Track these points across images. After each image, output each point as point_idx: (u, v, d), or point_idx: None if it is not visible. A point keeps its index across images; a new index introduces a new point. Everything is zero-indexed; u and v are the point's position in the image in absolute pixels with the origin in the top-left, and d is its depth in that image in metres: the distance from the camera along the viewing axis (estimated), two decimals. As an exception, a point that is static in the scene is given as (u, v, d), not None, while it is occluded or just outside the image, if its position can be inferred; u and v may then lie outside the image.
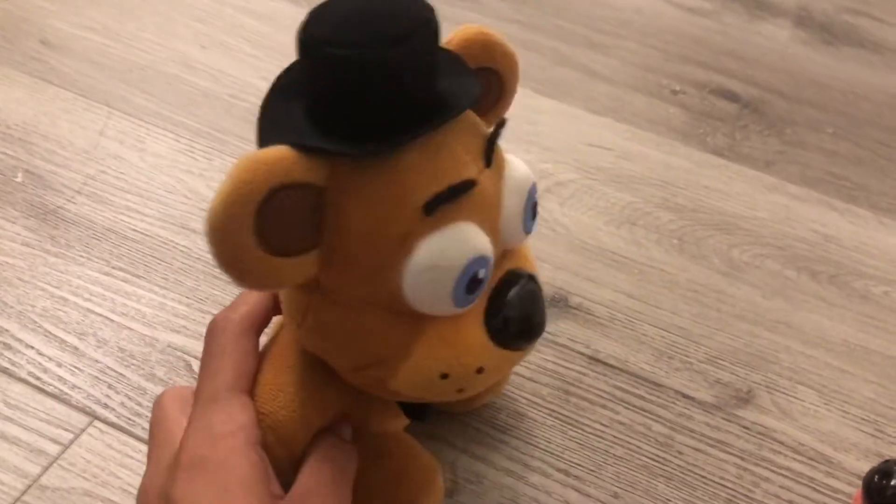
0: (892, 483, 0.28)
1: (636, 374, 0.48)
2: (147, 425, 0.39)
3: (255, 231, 0.25)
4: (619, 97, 0.68)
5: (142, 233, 0.52)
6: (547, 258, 0.54)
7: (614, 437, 0.44)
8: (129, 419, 0.42)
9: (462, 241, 0.28)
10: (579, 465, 0.43)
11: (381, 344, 0.30)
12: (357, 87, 0.26)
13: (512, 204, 0.30)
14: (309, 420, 0.33)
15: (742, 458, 0.44)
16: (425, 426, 0.43)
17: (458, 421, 0.44)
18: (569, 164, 0.61)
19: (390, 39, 0.25)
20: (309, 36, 0.26)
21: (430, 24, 0.27)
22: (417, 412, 0.36)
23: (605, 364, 0.48)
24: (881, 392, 0.49)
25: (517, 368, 0.47)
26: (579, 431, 0.44)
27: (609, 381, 0.47)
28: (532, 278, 0.31)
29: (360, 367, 0.31)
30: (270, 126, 0.28)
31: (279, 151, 0.26)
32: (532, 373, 0.47)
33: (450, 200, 0.27)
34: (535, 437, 0.44)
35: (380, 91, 0.26)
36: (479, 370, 0.30)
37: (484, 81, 0.32)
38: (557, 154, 0.62)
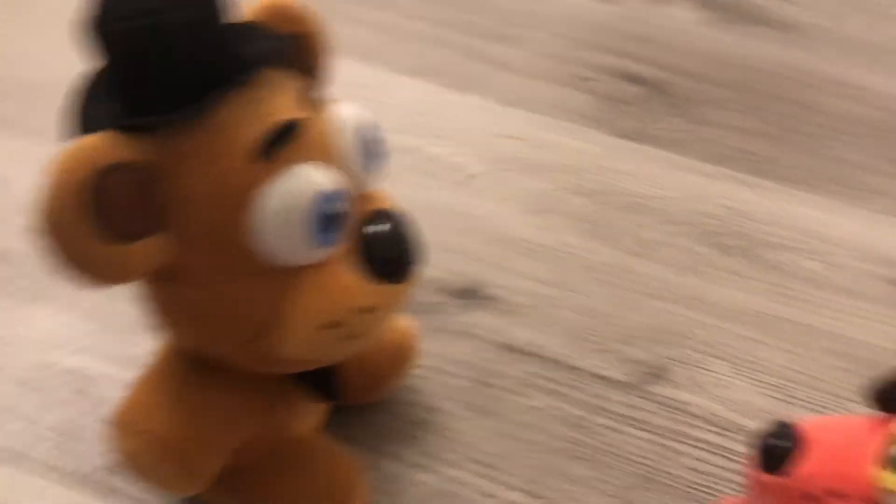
0: (780, 442, 0.28)
1: (551, 358, 0.48)
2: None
3: (89, 218, 0.25)
4: (530, 87, 0.68)
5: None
6: (460, 250, 0.54)
7: (530, 423, 0.44)
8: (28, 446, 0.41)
9: (302, 180, 0.28)
10: (495, 454, 0.43)
11: (255, 312, 0.29)
12: (144, 57, 0.26)
13: (344, 144, 0.30)
14: (211, 433, 0.33)
15: (658, 435, 0.44)
16: (336, 425, 0.42)
17: (371, 420, 0.43)
18: (481, 155, 0.61)
19: (164, 5, 0.26)
20: (91, 21, 0.26)
21: None
22: (325, 389, 0.35)
23: (520, 351, 0.48)
24: (792, 359, 0.49)
25: (431, 361, 0.46)
26: (495, 420, 0.44)
27: (524, 368, 0.47)
28: (395, 213, 0.31)
29: (242, 344, 0.30)
30: (85, 120, 0.28)
31: (97, 136, 0.26)
32: (446, 365, 0.47)
33: (278, 143, 0.28)
34: (450, 430, 0.44)
35: (170, 58, 0.26)
36: (365, 310, 0.30)
37: (300, 45, 0.32)
38: (469, 147, 0.62)
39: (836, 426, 0.29)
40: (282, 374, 0.34)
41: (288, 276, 0.29)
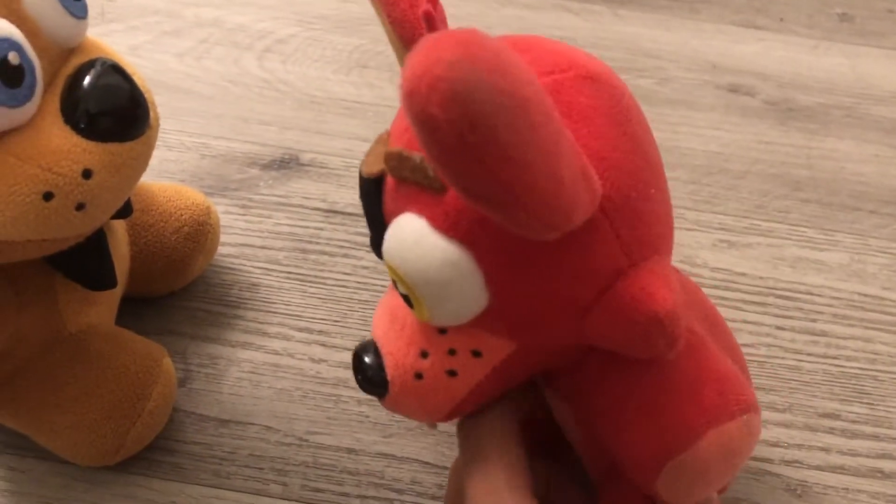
0: (365, 370, 0.26)
1: (377, 215, 0.45)
2: None
3: None
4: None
5: None
6: (273, 120, 0.50)
7: (358, 283, 0.42)
8: None
9: None
10: (323, 319, 0.41)
11: None
12: None
13: None
14: None
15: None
16: (148, 318, 0.39)
17: (184, 308, 0.40)
18: (288, 18, 0.57)
19: None
20: None
21: None
22: (93, 275, 0.32)
23: (343, 213, 0.45)
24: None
25: (247, 239, 0.43)
26: (321, 287, 0.42)
27: (349, 230, 0.44)
28: (107, 63, 0.27)
29: None
30: None
31: None
32: (264, 240, 0.44)
33: None
34: (273, 303, 0.41)
35: None
36: (86, 173, 0.26)
37: None
38: (275, 10, 0.57)
39: (380, 306, 0.27)
40: (39, 265, 0.30)
41: None
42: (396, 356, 0.25)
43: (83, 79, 0.26)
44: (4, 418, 0.33)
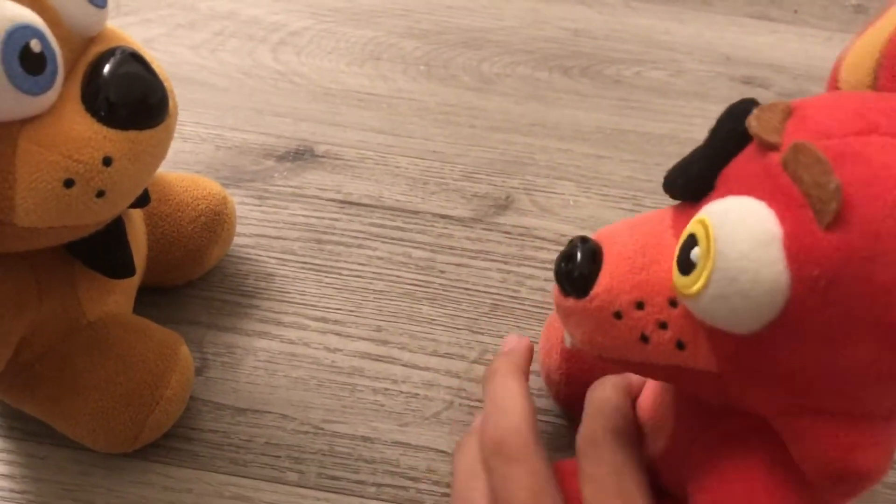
0: (576, 263, 0.26)
1: (391, 207, 0.45)
2: None
3: None
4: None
5: None
6: (287, 112, 0.50)
7: (373, 273, 0.42)
8: None
9: None
10: (338, 309, 0.41)
11: None
12: None
13: None
14: None
15: (505, 263, 0.43)
16: (165, 307, 0.40)
17: (201, 298, 0.41)
18: (301, 10, 0.57)
19: None
20: None
21: None
22: (113, 264, 0.32)
23: (358, 205, 0.45)
24: (637, 168, 0.48)
25: (262, 230, 0.44)
26: (336, 277, 0.42)
27: (364, 220, 0.45)
28: (127, 51, 0.27)
29: None
30: None
31: None
32: (279, 231, 0.44)
33: None
34: (288, 293, 0.41)
35: None
36: (106, 161, 0.26)
37: None
38: (289, 2, 0.57)
39: (631, 229, 0.26)
40: (59, 254, 0.31)
41: (8, 134, 0.25)
42: (614, 283, 0.24)
43: (103, 67, 0.27)
44: (24, 405, 0.33)
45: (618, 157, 0.49)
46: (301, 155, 0.48)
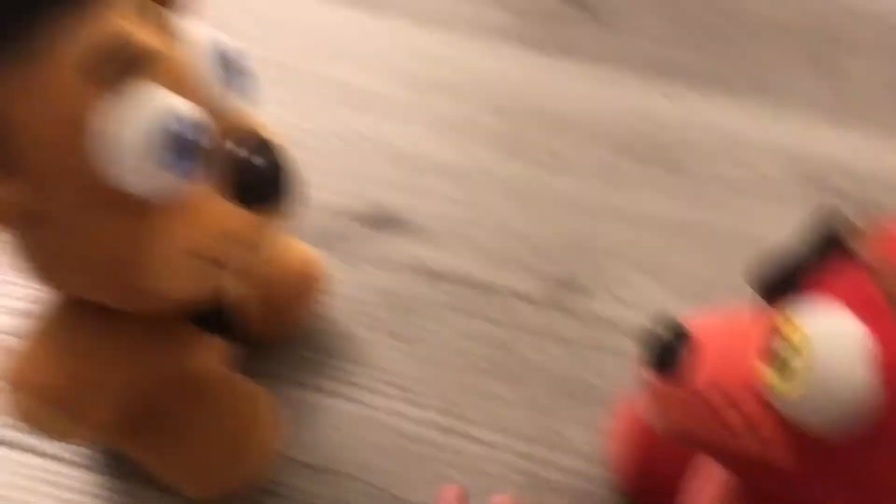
0: (666, 342, 0.27)
1: (469, 280, 0.47)
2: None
3: None
4: (443, 4, 0.66)
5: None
6: (371, 176, 0.52)
7: (448, 345, 0.44)
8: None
9: (146, 102, 0.26)
10: (413, 378, 0.42)
11: (116, 244, 0.28)
12: None
13: (199, 66, 0.29)
14: (98, 378, 0.32)
15: (575, 348, 0.45)
16: (249, 361, 0.41)
17: (285, 352, 0.43)
18: (391, 77, 0.59)
19: None
20: None
21: None
22: (222, 326, 0.34)
23: (434, 273, 0.47)
24: (708, 263, 0.50)
25: (346, 290, 0.46)
26: (411, 345, 0.44)
27: (441, 291, 0.46)
28: (264, 137, 0.30)
29: (113, 282, 0.29)
30: None
31: None
32: (358, 292, 0.46)
33: (114, 62, 0.25)
34: (364, 355, 0.43)
35: None
36: (233, 237, 0.29)
37: None
38: (380, 69, 0.60)
39: (722, 322, 0.28)
40: (173, 314, 0.33)
41: (152, 208, 0.27)
42: (708, 374, 0.26)
43: (242, 150, 0.29)
44: (122, 446, 0.35)
45: (689, 251, 0.50)
46: (386, 220, 0.50)
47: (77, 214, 0.27)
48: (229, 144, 0.29)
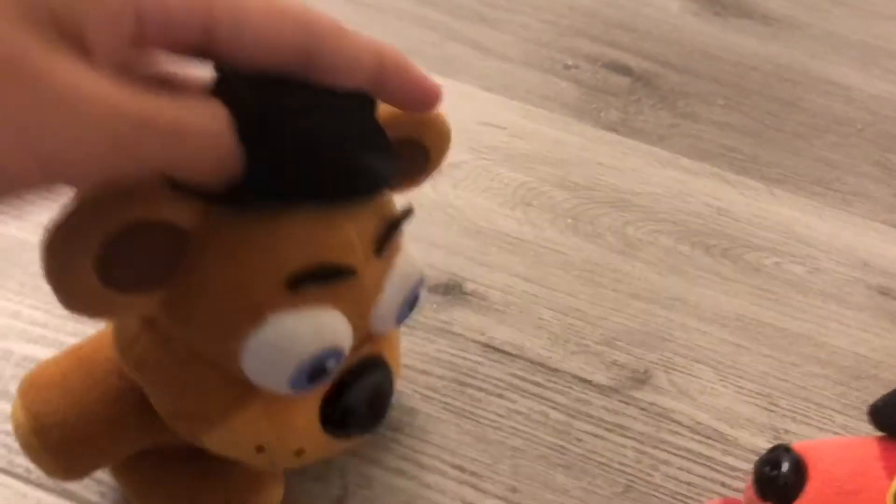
0: (781, 472, 0.27)
1: (532, 360, 0.46)
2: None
3: (95, 262, 0.22)
4: (512, 73, 0.66)
5: (-7, 233, 0.47)
6: (440, 243, 0.52)
7: (511, 427, 0.43)
8: (-21, 443, 0.38)
9: (318, 329, 0.25)
10: (475, 459, 0.41)
11: (204, 401, 0.27)
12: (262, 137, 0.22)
13: (391, 295, 0.28)
14: (95, 441, 0.31)
15: (640, 442, 0.43)
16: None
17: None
18: (461, 144, 0.59)
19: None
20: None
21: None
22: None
23: (501, 351, 0.46)
24: (774, 365, 0.49)
25: (409, 360, 0.45)
26: (475, 424, 0.43)
27: (505, 369, 0.45)
28: (385, 369, 0.29)
29: (176, 414, 0.28)
30: None
31: (147, 181, 0.22)
32: (425, 364, 0.45)
33: (318, 282, 0.25)
34: (429, 432, 0.42)
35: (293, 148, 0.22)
36: (298, 452, 0.29)
37: (406, 153, 0.30)
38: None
39: (839, 452, 0.27)
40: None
41: (250, 388, 0.27)
42: (819, 501, 0.26)
43: (357, 380, 0.28)
44: (123, 486, 0.35)
45: (755, 350, 0.49)
46: (450, 290, 0.49)
47: (189, 353, 0.27)
48: (349, 364, 0.28)
